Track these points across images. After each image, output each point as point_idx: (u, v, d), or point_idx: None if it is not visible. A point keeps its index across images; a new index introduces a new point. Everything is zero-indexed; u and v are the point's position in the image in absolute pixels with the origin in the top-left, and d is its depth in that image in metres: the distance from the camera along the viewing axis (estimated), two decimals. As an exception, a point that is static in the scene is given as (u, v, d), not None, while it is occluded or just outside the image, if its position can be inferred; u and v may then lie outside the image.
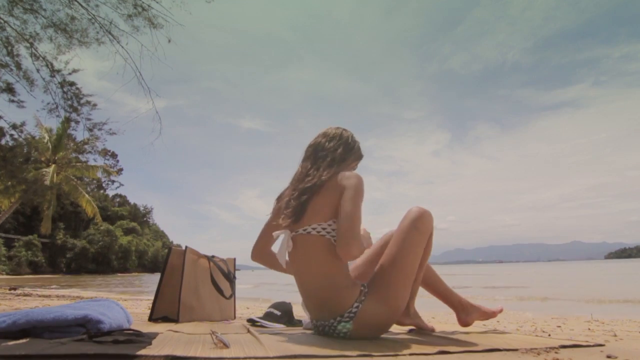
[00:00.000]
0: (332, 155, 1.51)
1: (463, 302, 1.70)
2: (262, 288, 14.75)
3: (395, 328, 1.79)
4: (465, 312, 1.69)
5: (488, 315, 1.69)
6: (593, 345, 1.31)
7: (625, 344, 1.42)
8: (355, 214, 1.34)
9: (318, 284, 1.43)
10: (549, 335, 1.74)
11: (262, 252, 1.64)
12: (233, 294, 2.63)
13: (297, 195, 1.45)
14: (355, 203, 1.36)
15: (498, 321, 3.41)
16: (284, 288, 13.59)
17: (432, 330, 1.69)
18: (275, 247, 1.58)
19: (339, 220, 1.35)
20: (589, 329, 2.61)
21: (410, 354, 1.12)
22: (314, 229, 1.40)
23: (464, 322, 1.69)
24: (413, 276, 1.47)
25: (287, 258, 1.49)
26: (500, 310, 1.70)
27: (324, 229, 1.40)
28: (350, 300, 1.38)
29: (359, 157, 1.65)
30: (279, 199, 1.61)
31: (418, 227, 1.44)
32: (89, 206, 16.59)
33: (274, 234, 1.52)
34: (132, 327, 1.63)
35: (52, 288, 12.12)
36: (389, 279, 1.40)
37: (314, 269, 1.42)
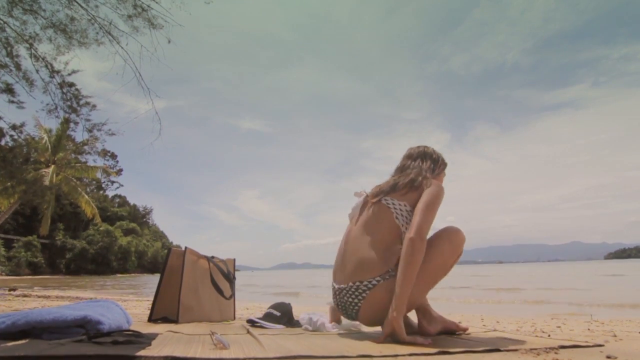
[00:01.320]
0: (420, 167, 1.68)
1: (429, 310, 1.64)
2: (242, 292, 14.50)
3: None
4: (428, 320, 1.63)
5: (451, 329, 1.62)
6: (592, 346, 1.31)
7: (624, 344, 1.42)
8: (430, 211, 1.45)
9: (363, 245, 1.52)
10: (549, 335, 1.74)
11: None
12: (233, 295, 2.63)
13: (388, 186, 1.60)
14: (433, 204, 1.47)
15: (498, 322, 3.41)
16: (268, 290, 13.48)
17: (466, 329, 1.64)
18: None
19: (416, 210, 1.46)
20: (589, 329, 2.61)
21: (410, 354, 1.12)
22: (386, 200, 1.55)
23: (426, 331, 1.60)
24: (434, 283, 1.51)
25: (352, 224, 1.64)
26: (465, 329, 1.64)
27: (393, 204, 1.54)
28: (377, 272, 1.45)
29: (445, 165, 1.79)
30: None
31: (453, 240, 1.52)
32: (88, 207, 16.59)
33: (355, 193, 1.71)
34: (132, 327, 1.63)
35: (36, 289, 12.00)
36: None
37: (367, 231, 1.54)
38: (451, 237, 1.52)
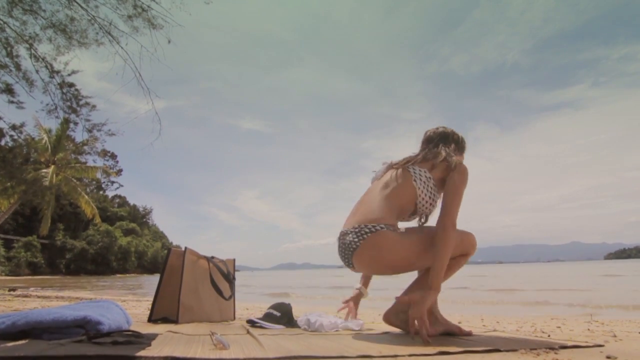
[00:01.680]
0: (447, 151, 1.68)
1: (434, 312, 1.64)
2: (237, 292, 14.36)
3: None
4: (431, 321, 1.60)
5: (454, 332, 1.61)
6: (593, 346, 1.31)
7: (624, 344, 1.42)
8: (459, 197, 1.53)
9: (378, 198, 1.60)
10: (549, 335, 1.74)
11: None
12: (232, 295, 2.63)
13: (417, 157, 1.67)
14: (461, 189, 1.54)
15: (498, 322, 3.41)
16: (264, 291, 13.44)
17: (469, 333, 1.61)
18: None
19: (448, 195, 1.53)
20: (589, 329, 2.61)
21: (410, 355, 1.12)
22: (418, 171, 1.61)
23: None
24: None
25: (373, 182, 1.73)
26: (469, 334, 1.61)
27: (414, 169, 1.61)
28: (384, 221, 1.53)
29: (465, 144, 1.81)
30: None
31: (464, 240, 1.58)
32: (88, 207, 16.58)
33: (383, 162, 1.76)
34: (132, 328, 1.63)
35: (36, 289, 11.95)
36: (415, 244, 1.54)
37: (384, 189, 1.62)
38: (463, 236, 1.58)
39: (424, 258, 1.53)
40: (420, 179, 1.59)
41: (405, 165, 1.65)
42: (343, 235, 1.61)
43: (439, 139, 1.75)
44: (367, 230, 1.51)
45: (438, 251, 1.45)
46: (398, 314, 1.68)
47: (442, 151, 1.65)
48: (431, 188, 1.60)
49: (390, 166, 1.71)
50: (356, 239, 1.52)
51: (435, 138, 1.76)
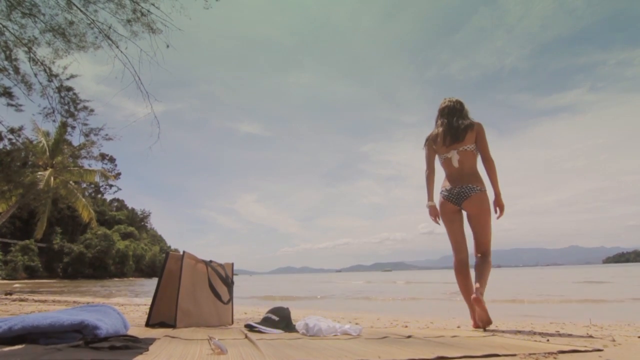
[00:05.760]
0: (462, 112, 2.65)
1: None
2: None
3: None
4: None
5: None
6: (591, 351, 1.31)
7: (623, 349, 1.42)
8: (487, 142, 2.59)
9: (468, 172, 2.55)
10: (548, 340, 1.73)
11: (433, 175, 2.68)
12: (231, 299, 2.62)
13: (457, 130, 2.56)
14: (486, 139, 2.59)
15: (497, 326, 3.40)
16: (252, 299, 13.35)
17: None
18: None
19: (483, 146, 2.56)
20: (588, 333, 2.61)
21: (409, 360, 1.12)
22: (468, 147, 2.55)
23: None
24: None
25: (456, 164, 2.56)
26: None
27: (471, 148, 2.55)
28: (480, 185, 2.52)
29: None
30: (430, 139, 2.70)
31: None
32: (85, 211, 16.52)
33: (451, 154, 2.58)
34: (129, 332, 1.62)
35: (33, 293, 11.81)
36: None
37: (468, 166, 2.56)
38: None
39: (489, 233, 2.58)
40: (475, 151, 2.55)
41: (462, 147, 2.53)
42: (454, 188, 2.53)
43: (458, 107, 2.64)
44: (480, 189, 2.48)
45: (495, 176, 2.53)
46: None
47: (467, 119, 2.61)
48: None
49: (457, 151, 2.55)
50: (473, 190, 2.46)
51: (457, 108, 2.63)
